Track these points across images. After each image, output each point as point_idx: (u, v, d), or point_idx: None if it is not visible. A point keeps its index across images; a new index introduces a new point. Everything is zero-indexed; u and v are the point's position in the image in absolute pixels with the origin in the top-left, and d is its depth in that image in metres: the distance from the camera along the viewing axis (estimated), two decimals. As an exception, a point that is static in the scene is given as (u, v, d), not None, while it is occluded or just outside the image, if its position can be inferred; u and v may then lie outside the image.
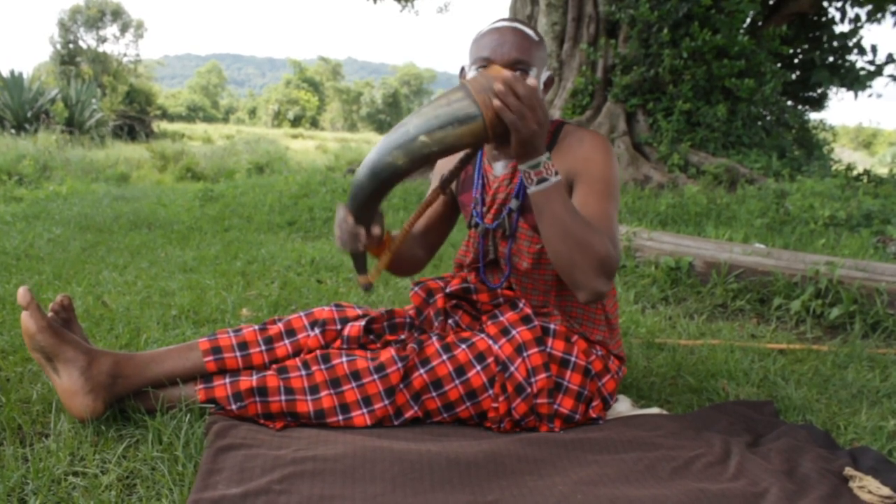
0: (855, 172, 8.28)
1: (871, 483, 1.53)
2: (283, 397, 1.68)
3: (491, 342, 1.76)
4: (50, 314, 1.69)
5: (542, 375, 1.76)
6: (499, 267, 1.96)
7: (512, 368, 1.74)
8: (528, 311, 1.82)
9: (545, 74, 1.79)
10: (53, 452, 1.54)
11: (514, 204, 1.84)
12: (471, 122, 1.46)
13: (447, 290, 1.92)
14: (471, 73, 1.75)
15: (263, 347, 1.78)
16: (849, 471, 1.59)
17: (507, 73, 1.50)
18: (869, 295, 3.06)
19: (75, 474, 1.48)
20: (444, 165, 1.98)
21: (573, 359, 1.81)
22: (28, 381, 1.94)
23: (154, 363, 1.72)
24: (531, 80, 1.52)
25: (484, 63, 1.72)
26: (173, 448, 1.56)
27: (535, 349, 1.77)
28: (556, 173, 1.60)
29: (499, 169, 1.89)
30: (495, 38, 1.71)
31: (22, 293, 1.60)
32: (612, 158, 1.78)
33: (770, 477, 1.54)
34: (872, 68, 9.84)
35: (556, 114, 8.55)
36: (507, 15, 9.36)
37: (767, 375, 2.36)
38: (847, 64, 9.95)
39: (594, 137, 1.80)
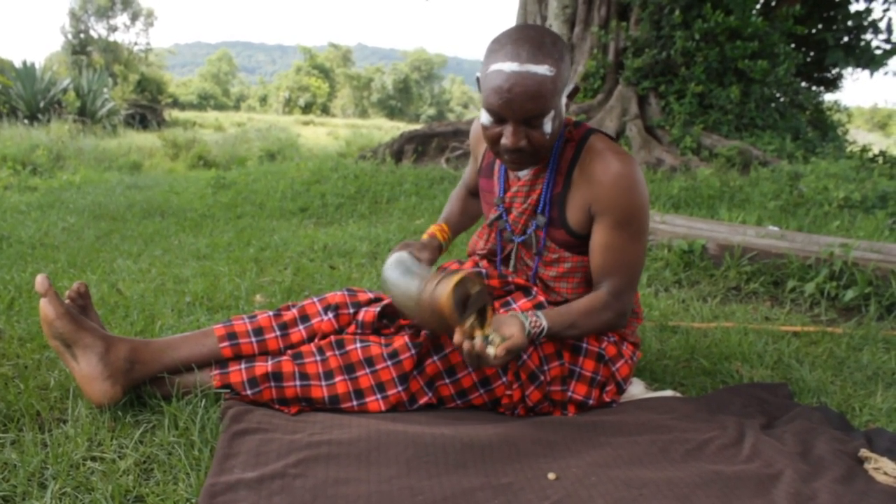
0: (870, 154, 8.20)
1: (887, 464, 1.53)
2: (297, 382, 1.69)
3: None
4: (67, 301, 1.70)
5: (556, 363, 1.77)
6: (514, 261, 1.95)
7: (524, 356, 1.74)
8: (541, 298, 1.82)
9: (569, 87, 1.66)
10: (72, 438, 1.56)
11: (540, 221, 1.80)
12: (406, 312, 1.64)
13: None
14: (483, 116, 1.65)
15: (278, 333, 1.79)
16: (864, 452, 1.59)
17: (463, 333, 1.54)
18: (884, 277, 3.04)
19: (93, 459, 1.50)
20: (479, 147, 2.02)
21: (584, 345, 1.81)
22: (46, 368, 1.96)
23: (170, 349, 1.74)
24: (545, 127, 1.61)
25: (496, 120, 1.62)
26: (189, 433, 1.57)
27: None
28: (542, 323, 1.68)
29: (521, 171, 1.83)
30: (503, 92, 1.55)
31: (40, 281, 1.62)
32: (640, 189, 1.70)
33: (784, 459, 1.54)
34: (888, 47, 9.72)
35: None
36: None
37: (781, 358, 2.35)
38: (862, 43, 9.83)
39: (622, 165, 1.68)
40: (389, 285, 1.64)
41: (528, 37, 1.56)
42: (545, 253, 1.83)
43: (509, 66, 1.54)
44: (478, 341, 1.52)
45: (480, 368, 1.66)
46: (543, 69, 1.54)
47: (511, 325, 1.59)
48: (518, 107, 1.56)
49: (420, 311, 1.55)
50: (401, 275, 1.62)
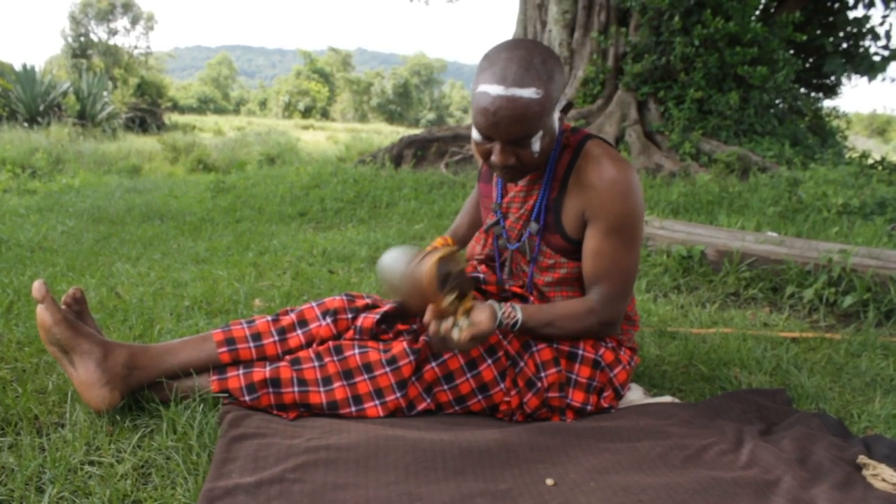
0: (869, 160, 8.21)
1: (885, 471, 1.53)
2: (295, 388, 1.69)
3: (500, 336, 1.76)
4: (62, 307, 1.70)
5: (553, 370, 1.76)
6: (509, 267, 1.96)
7: (521, 363, 1.75)
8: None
9: (562, 102, 1.66)
10: (69, 442, 1.56)
11: (533, 228, 1.81)
12: (391, 288, 1.67)
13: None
14: (474, 133, 1.65)
15: (277, 338, 1.79)
16: (862, 459, 1.59)
17: (434, 316, 1.59)
18: (883, 283, 3.04)
19: (91, 463, 1.49)
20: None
21: (580, 352, 1.81)
22: (44, 372, 1.96)
23: (168, 354, 1.74)
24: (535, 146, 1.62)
25: (485, 140, 1.63)
26: (187, 437, 1.57)
27: (544, 344, 1.78)
28: (517, 315, 1.71)
29: None
30: (489, 115, 1.56)
31: (37, 287, 1.62)
32: (634, 196, 1.70)
33: (783, 465, 1.54)
34: (887, 53, 9.74)
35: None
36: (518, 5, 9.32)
37: (780, 364, 2.35)
38: (861, 50, 9.85)
39: (617, 171, 1.69)
40: (382, 263, 1.70)
41: (516, 57, 1.56)
42: (541, 259, 1.84)
43: (495, 90, 1.54)
44: (445, 324, 1.57)
45: (443, 351, 1.69)
46: (529, 92, 1.54)
47: (481, 313, 1.63)
48: (503, 129, 1.57)
49: (403, 282, 1.61)
50: (393, 257, 1.69)
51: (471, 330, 1.57)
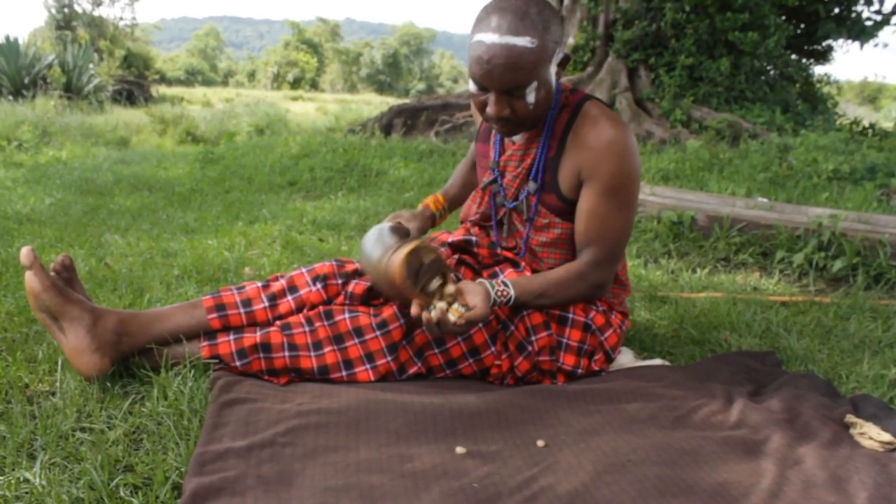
0: (860, 127, 8.21)
1: (872, 429, 1.54)
2: (286, 353, 1.69)
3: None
4: (52, 274, 1.69)
5: (543, 334, 1.77)
6: (508, 225, 1.95)
7: (512, 327, 1.75)
8: (528, 272, 1.83)
9: (558, 56, 1.64)
10: (60, 409, 1.56)
11: (532, 187, 1.81)
12: (373, 282, 1.69)
13: (449, 241, 1.92)
14: (470, 84, 1.65)
15: (267, 304, 1.78)
16: (850, 418, 1.60)
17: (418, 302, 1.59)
18: (872, 247, 3.05)
19: (82, 430, 1.49)
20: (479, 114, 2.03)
21: (571, 315, 1.81)
22: (33, 342, 1.95)
23: (158, 321, 1.73)
24: (529, 98, 1.61)
25: (480, 90, 1.63)
26: (178, 403, 1.57)
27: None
28: (510, 293, 1.70)
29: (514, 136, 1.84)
30: (484, 63, 1.56)
31: (25, 253, 1.60)
32: (631, 157, 1.70)
33: (772, 425, 1.55)
34: (879, 18, 9.70)
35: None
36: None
37: (770, 327, 2.37)
38: (853, 14, 9.80)
39: (615, 132, 1.69)
40: (361, 254, 1.69)
41: (512, 7, 1.56)
42: (536, 218, 1.83)
43: (489, 38, 1.55)
44: (434, 312, 1.56)
45: (441, 335, 1.69)
46: (524, 41, 1.54)
47: (475, 295, 1.62)
48: (497, 78, 1.57)
49: (377, 277, 1.62)
50: (371, 244, 1.67)
51: (466, 315, 1.57)
